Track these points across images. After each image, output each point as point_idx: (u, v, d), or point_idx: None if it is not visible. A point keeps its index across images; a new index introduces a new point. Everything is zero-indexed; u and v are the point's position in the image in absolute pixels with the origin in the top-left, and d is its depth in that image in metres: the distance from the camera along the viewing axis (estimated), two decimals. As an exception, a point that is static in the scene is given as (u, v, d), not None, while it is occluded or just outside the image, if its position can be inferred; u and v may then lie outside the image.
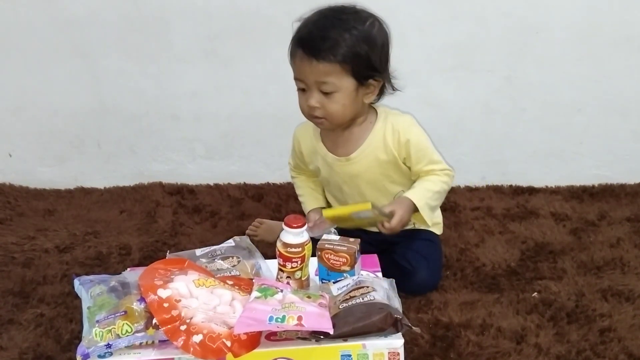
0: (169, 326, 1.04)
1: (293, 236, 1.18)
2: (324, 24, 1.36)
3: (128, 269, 1.26)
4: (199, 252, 1.30)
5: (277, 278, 1.21)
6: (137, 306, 1.07)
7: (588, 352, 1.26)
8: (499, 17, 1.90)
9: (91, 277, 1.17)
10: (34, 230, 1.83)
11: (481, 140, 2.03)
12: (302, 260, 1.19)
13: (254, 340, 1.06)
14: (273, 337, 1.08)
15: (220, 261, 1.27)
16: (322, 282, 1.24)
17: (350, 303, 1.10)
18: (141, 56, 2.00)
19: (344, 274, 1.22)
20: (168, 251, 1.40)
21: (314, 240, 1.24)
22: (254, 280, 1.18)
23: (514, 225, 1.78)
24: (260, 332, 1.07)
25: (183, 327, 1.04)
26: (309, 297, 1.12)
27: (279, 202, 1.97)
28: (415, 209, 1.41)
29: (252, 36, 1.95)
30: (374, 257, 1.33)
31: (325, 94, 1.36)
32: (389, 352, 1.06)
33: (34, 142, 2.12)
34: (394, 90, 1.46)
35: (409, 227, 1.52)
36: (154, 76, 2.02)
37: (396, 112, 1.49)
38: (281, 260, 1.20)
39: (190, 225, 1.85)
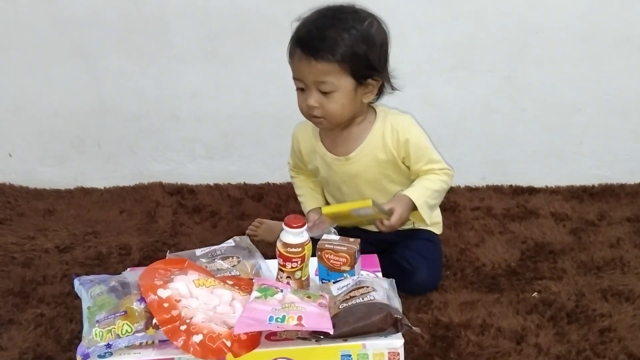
0: (169, 326, 1.04)
1: (293, 236, 1.18)
2: (322, 23, 1.36)
3: (128, 269, 1.26)
4: (199, 252, 1.31)
5: (277, 278, 1.21)
6: (137, 306, 1.07)
7: (588, 352, 1.26)
8: (499, 17, 1.89)
9: (91, 277, 1.17)
10: (34, 230, 1.83)
11: (481, 140, 2.03)
12: (302, 260, 1.19)
13: (254, 340, 1.06)
14: (273, 337, 1.08)
15: (220, 261, 1.27)
16: (322, 282, 1.24)
17: (350, 303, 1.10)
18: (141, 56, 2.00)
19: (344, 274, 1.22)
20: (168, 251, 1.40)
21: (314, 240, 1.24)
22: (254, 280, 1.18)
23: (514, 225, 1.78)
24: (260, 332, 1.07)
25: (183, 327, 1.04)
26: (309, 297, 1.12)
27: (279, 202, 1.97)
28: (414, 207, 1.41)
29: (252, 36, 1.95)
30: (374, 257, 1.33)
31: (324, 93, 1.36)
32: (389, 352, 1.06)
33: (34, 142, 2.12)
34: (393, 89, 1.46)
35: (409, 226, 1.53)
36: (154, 76, 2.02)
37: (395, 112, 1.49)
38: (281, 260, 1.20)
39: (190, 225, 1.85)
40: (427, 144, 1.46)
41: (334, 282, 1.20)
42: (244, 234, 1.55)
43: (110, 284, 1.13)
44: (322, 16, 1.38)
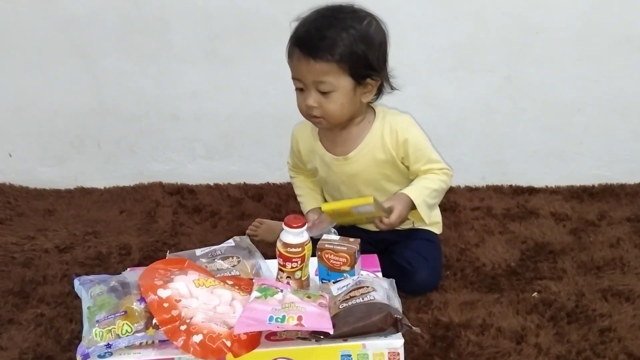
0: (169, 326, 1.04)
1: (293, 236, 1.18)
2: (321, 23, 1.36)
3: (128, 269, 1.26)
4: (199, 252, 1.31)
5: (277, 278, 1.21)
6: (137, 306, 1.07)
7: (588, 352, 1.26)
8: (499, 17, 1.89)
9: (91, 277, 1.17)
10: (34, 230, 1.83)
11: (481, 140, 2.03)
12: (302, 260, 1.19)
13: (254, 340, 1.06)
14: (273, 337, 1.08)
15: (220, 261, 1.27)
16: (322, 282, 1.24)
17: (350, 303, 1.10)
18: (141, 56, 2.00)
19: (344, 274, 1.22)
20: (168, 251, 1.40)
21: (314, 240, 1.24)
22: (254, 280, 1.18)
23: (514, 225, 1.78)
24: (260, 332, 1.07)
25: (183, 327, 1.04)
26: (309, 297, 1.12)
27: (279, 202, 1.97)
28: (413, 206, 1.41)
29: (252, 36, 1.95)
30: (374, 257, 1.33)
31: (323, 93, 1.36)
32: (389, 352, 1.06)
33: (34, 142, 2.12)
34: (392, 89, 1.46)
35: (408, 226, 1.53)
36: (154, 76, 2.02)
37: (394, 112, 1.49)
38: (281, 260, 1.20)
39: (190, 225, 1.85)
40: (426, 144, 1.46)
41: (334, 282, 1.20)
42: (244, 234, 1.55)
43: (110, 284, 1.13)
44: (320, 16, 1.38)
